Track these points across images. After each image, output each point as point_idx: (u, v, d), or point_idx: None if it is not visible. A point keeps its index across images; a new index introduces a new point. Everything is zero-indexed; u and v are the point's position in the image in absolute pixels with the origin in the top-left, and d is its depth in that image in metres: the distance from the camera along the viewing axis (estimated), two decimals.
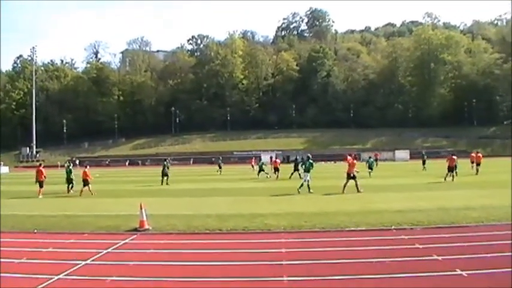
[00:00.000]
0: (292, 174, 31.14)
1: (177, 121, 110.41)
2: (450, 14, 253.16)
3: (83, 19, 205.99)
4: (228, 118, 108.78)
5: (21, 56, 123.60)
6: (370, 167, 33.36)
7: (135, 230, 11.65)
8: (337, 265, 7.83)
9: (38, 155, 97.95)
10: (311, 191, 20.44)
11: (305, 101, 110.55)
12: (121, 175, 46.86)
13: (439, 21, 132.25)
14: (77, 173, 25.15)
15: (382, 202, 16.39)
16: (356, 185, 20.17)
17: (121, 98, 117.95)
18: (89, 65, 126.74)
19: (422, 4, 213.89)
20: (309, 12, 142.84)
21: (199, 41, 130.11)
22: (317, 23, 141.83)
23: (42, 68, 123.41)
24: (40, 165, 25.11)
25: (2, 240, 10.35)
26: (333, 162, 66.08)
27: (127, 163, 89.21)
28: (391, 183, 26.01)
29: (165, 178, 29.18)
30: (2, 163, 67.46)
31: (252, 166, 43.75)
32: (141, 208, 11.94)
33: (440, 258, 7.99)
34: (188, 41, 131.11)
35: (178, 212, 15.17)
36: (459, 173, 27.31)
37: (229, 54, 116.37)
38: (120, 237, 10.78)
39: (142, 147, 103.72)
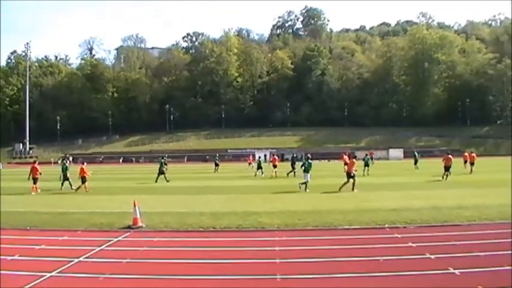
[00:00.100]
0: (290, 172, 31.43)
1: (172, 118, 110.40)
2: (444, 14, 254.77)
3: (78, 15, 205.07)
4: (223, 116, 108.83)
5: (15, 51, 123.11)
6: (367, 164, 33.49)
7: (129, 227, 11.60)
8: (331, 263, 7.84)
9: (31, 152, 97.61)
10: (307, 190, 20.48)
11: (300, 99, 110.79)
12: (115, 172, 46.70)
13: (433, 21, 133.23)
14: (72, 170, 25.05)
15: (376, 201, 16.44)
16: (353, 183, 20.21)
17: (115, 94, 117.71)
18: (83, 62, 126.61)
19: (417, 4, 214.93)
20: (304, 11, 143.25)
21: (194, 39, 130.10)
22: (312, 21, 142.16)
23: (36, 64, 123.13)
24: (35, 162, 25.02)
25: None
26: (327, 160, 66.25)
27: (121, 160, 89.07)
28: (386, 182, 26.10)
29: (162, 175, 29.12)
30: None
31: (250, 164, 43.70)
32: (134, 205, 11.89)
33: (433, 256, 8.02)
34: (183, 38, 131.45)
35: (172, 209, 15.14)
36: (452, 172, 27.41)
37: (224, 52, 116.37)
38: (113, 234, 10.74)
39: (136, 145, 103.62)
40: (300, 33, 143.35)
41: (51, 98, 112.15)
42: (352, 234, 10.47)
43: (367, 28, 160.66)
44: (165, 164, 30.74)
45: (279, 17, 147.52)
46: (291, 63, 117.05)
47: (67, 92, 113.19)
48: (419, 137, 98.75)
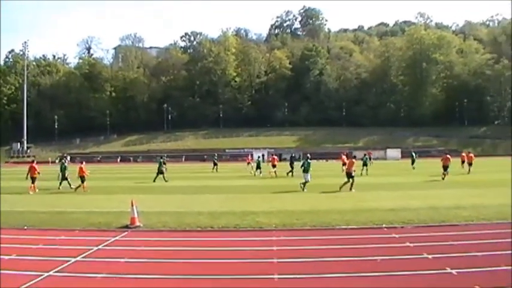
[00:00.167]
0: (289, 172, 31.57)
1: (169, 118, 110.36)
2: (442, 15, 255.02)
3: (76, 15, 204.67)
4: (221, 115, 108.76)
5: (12, 50, 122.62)
6: (365, 164, 33.53)
7: (126, 227, 11.59)
8: (328, 263, 7.85)
9: (28, 151, 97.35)
10: (305, 190, 20.49)
11: (297, 99, 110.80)
12: (113, 172, 46.62)
13: (431, 21, 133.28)
14: (70, 169, 25.01)
15: (373, 200, 16.45)
16: (351, 183, 20.23)
17: (113, 94, 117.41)
18: (81, 61, 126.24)
19: (415, 4, 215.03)
20: (302, 11, 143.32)
21: (192, 38, 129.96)
22: (310, 21, 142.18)
23: (34, 63, 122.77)
24: (33, 161, 24.98)
25: None
26: (325, 160, 66.25)
27: (118, 160, 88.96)
28: (383, 182, 26.12)
29: (161, 175, 29.08)
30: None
31: (249, 163, 43.63)
32: (132, 205, 11.88)
33: (430, 256, 8.04)
34: (181, 37, 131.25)
35: (169, 209, 15.13)
36: (450, 172, 27.48)
37: (222, 52, 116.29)
38: (111, 234, 10.73)
39: (134, 144, 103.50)
40: (298, 33, 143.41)
41: (49, 97, 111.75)
42: (350, 234, 10.48)
43: (365, 28, 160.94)
44: (164, 164, 30.75)
45: (277, 17, 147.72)
46: (289, 63, 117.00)
47: (65, 91, 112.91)
48: (417, 137, 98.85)
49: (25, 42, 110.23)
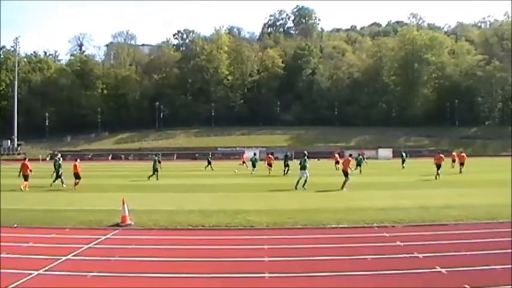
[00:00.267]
0: (284, 170, 31.74)
1: (161, 116, 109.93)
2: (435, 15, 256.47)
3: (68, 11, 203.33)
4: (213, 114, 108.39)
5: (3, 46, 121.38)
6: (359, 164, 33.68)
7: (117, 225, 11.56)
8: (319, 262, 7.87)
9: (19, 148, 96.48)
10: (298, 187, 20.62)
11: (290, 98, 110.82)
12: (104, 169, 46.43)
13: (423, 22, 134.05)
14: (64, 167, 24.88)
15: (365, 200, 16.52)
16: (344, 182, 20.33)
17: (105, 91, 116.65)
18: (72, 58, 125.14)
19: (408, 5, 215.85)
20: (295, 10, 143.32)
21: (185, 36, 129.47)
22: (303, 20, 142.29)
23: (25, 60, 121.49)
24: (25, 158, 24.82)
25: None
26: (316, 159, 66.36)
27: (110, 157, 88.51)
28: (375, 181, 26.23)
29: (156, 174, 29.02)
30: None
31: (243, 162, 43.59)
32: (123, 203, 11.85)
33: (420, 255, 8.09)
34: (174, 35, 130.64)
35: (161, 207, 15.09)
36: (441, 172, 27.64)
37: (214, 50, 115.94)
38: (101, 232, 10.68)
39: (126, 142, 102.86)
40: (291, 32, 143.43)
41: (40, 94, 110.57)
42: (341, 233, 10.52)
43: (358, 28, 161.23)
44: (159, 162, 30.70)
45: (270, 16, 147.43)
46: (282, 62, 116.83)
47: (56, 88, 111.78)
48: (408, 137, 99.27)
49: (16, 38, 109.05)
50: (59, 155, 28.90)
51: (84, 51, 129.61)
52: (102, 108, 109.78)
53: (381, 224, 11.36)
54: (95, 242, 9.61)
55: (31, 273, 7.19)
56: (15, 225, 11.65)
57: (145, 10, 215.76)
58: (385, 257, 8.14)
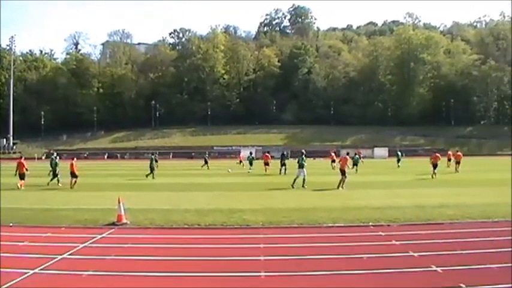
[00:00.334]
0: (281, 170, 31.61)
1: (157, 115, 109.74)
2: (431, 15, 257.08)
3: (64, 9, 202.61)
4: (209, 113, 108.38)
5: None
6: (355, 163, 33.70)
7: (113, 224, 11.54)
8: (314, 261, 7.88)
9: (14, 147, 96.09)
10: (295, 186, 20.66)
11: (286, 97, 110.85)
12: (100, 168, 46.30)
13: (419, 21, 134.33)
14: (60, 166, 24.81)
15: (361, 199, 16.55)
16: (340, 181, 20.37)
17: (101, 90, 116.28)
18: (68, 56, 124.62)
19: (404, 4, 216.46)
20: (291, 9, 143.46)
21: (181, 35, 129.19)
22: (299, 19, 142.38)
23: (21, 58, 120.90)
24: (21, 157, 24.73)
25: None
26: (312, 158, 66.38)
27: (106, 156, 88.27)
28: (370, 180, 26.27)
29: (152, 173, 29.00)
30: None
31: (240, 161, 43.59)
32: (119, 202, 11.83)
33: (416, 254, 8.12)
34: (170, 34, 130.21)
35: (156, 206, 15.07)
36: (437, 171, 27.73)
37: (211, 49, 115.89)
38: (97, 231, 10.66)
39: (122, 141, 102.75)
40: (287, 31, 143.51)
41: (35, 92, 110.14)
42: (337, 232, 10.54)
43: (354, 27, 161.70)
44: (156, 161, 30.68)
45: (267, 15, 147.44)
46: (278, 61, 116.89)
47: (52, 86, 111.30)
48: (404, 136, 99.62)
49: (12, 37, 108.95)
50: (55, 154, 28.86)
51: (80, 50, 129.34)
52: (98, 107, 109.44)
53: (376, 223, 11.38)
54: (90, 241, 9.59)
55: (26, 272, 7.16)
56: (11, 224, 11.59)
57: (141, 9, 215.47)
58: (380, 256, 8.15)
